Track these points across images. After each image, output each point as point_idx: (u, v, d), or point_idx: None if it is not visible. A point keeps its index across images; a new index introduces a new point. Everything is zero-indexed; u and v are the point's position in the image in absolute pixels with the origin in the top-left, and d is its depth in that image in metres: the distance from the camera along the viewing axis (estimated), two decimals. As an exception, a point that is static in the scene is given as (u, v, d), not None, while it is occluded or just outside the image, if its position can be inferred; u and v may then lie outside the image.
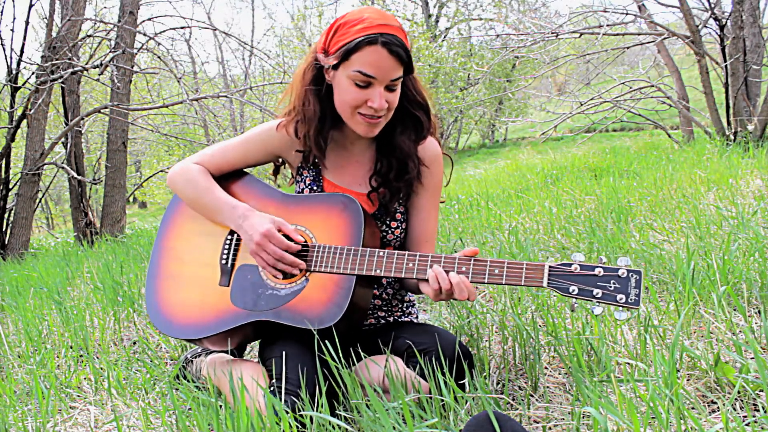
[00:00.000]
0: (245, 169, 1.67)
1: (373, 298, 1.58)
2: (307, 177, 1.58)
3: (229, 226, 1.51)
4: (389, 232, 1.56)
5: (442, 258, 1.34)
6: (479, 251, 1.33)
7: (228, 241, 1.53)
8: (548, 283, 1.25)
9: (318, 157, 1.53)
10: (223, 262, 1.51)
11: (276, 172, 1.70)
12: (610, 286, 1.22)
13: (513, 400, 1.44)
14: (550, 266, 1.26)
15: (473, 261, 1.31)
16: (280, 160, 1.65)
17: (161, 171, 11.87)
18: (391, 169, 1.52)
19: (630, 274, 1.21)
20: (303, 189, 1.58)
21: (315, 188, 1.56)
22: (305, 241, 1.44)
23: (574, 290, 1.24)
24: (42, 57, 6.38)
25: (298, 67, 1.52)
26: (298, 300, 1.40)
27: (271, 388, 1.33)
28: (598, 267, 1.24)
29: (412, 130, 1.53)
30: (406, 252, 1.37)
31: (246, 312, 1.43)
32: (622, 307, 1.21)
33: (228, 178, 1.61)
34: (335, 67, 1.40)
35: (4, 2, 5.93)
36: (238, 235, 1.52)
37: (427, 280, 1.33)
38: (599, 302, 1.23)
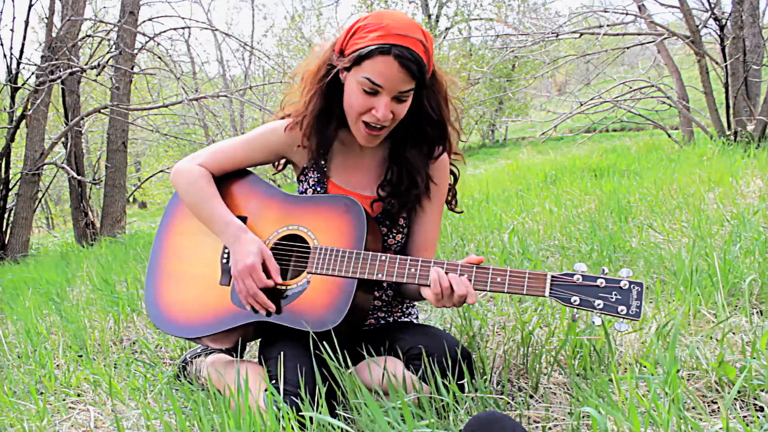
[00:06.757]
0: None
1: (373, 300, 1.58)
2: (311, 178, 1.56)
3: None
4: (390, 236, 1.55)
5: (445, 263, 1.33)
6: (484, 260, 1.33)
7: None
8: (550, 293, 1.26)
9: (319, 156, 1.52)
10: (224, 261, 1.51)
11: (277, 170, 1.69)
12: (612, 298, 1.23)
13: (513, 400, 1.43)
14: (552, 276, 1.26)
15: (476, 268, 1.31)
16: (284, 161, 1.64)
17: (161, 171, 11.88)
18: (401, 180, 1.51)
19: (632, 286, 1.22)
20: (306, 190, 1.56)
21: (319, 189, 1.55)
22: (279, 285, 1.43)
23: (575, 300, 1.24)
24: (42, 57, 6.38)
25: (312, 65, 1.48)
26: (299, 302, 1.40)
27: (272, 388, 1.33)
28: (600, 278, 1.25)
29: (423, 145, 1.52)
30: (408, 257, 1.37)
31: (246, 312, 1.43)
32: (623, 318, 1.22)
33: (231, 176, 1.60)
34: (347, 69, 1.38)
35: (3, 2, 5.94)
36: None
37: (428, 285, 1.33)
38: (600, 313, 1.23)
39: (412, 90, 1.37)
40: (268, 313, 1.41)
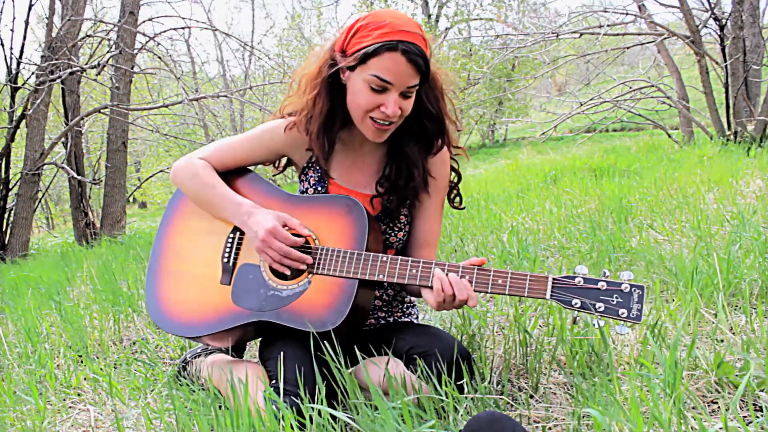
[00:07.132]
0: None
1: (374, 299, 1.58)
2: (312, 177, 1.56)
3: (232, 223, 1.51)
4: (392, 234, 1.55)
5: (447, 265, 1.34)
6: (486, 261, 1.33)
7: (230, 240, 1.53)
8: (551, 295, 1.26)
9: (321, 157, 1.52)
10: (225, 260, 1.51)
11: (278, 171, 1.68)
12: (613, 301, 1.23)
13: (513, 400, 1.43)
14: (553, 278, 1.26)
15: (477, 270, 1.32)
16: (285, 160, 1.65)
17: (161, 171, 11.89)
18: (400, 175, 1.51)
19: (633, 289, 1.22)
20: (307, 189, 1.57)
21: (320, 188, 1.55)
22: (309, 239, 1.44)
23: (576, 303, 1.25)
24: (42, 57, 6.38)
25: (312, 66, 1.48)
26: (300, 302, 1.40)
27: (270, 389, 1.33)
28: (601, 281, 1.25)
29: (422, 140, 1.52)
30: (410, 258, 1.37)
31: (247, 312, 1.43)
32: (624, 321, 1.22)
33: (232, 174, 1.60)
34: (352, 68, 1.38)
35: (3, 2, 5.95)
36: (240, 234, 1.52)
37: (429, 287, 1.33)
38: (601, 316, 1.24)
39: (417, 85, 1.38)
40: (309, 267, 1.40)
